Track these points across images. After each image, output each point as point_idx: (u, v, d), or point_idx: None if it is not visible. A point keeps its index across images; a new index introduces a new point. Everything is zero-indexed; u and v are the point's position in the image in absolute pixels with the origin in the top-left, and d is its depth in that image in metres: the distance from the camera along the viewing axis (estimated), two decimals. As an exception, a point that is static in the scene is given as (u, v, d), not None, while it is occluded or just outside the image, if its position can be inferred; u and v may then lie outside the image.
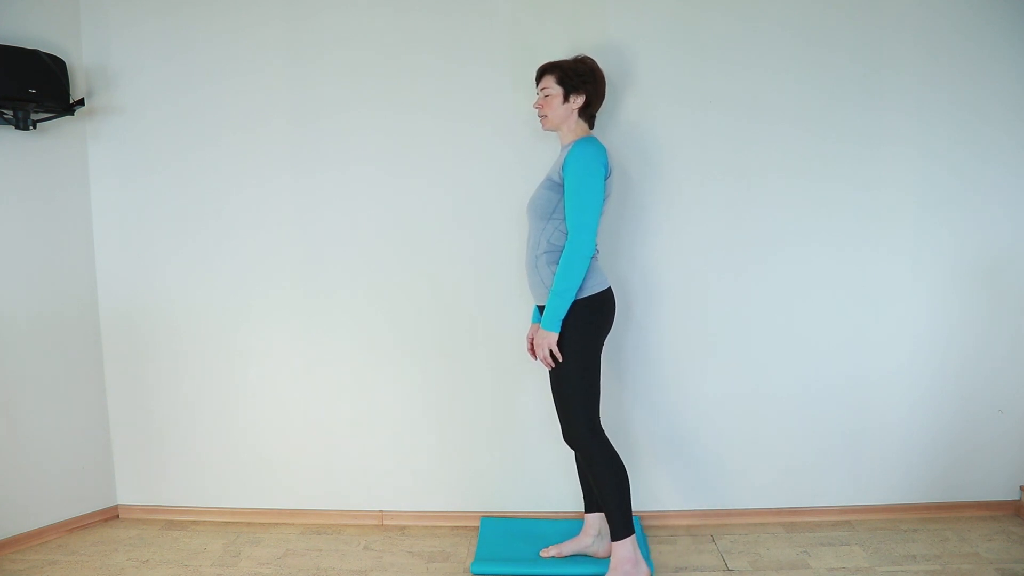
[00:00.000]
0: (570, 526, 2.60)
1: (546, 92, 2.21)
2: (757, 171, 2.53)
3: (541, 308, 2.22)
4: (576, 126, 2.23)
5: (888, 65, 2.49)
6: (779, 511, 2.67)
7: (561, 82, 2.19)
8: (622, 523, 2.15)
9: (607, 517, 2.17)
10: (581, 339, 2.11)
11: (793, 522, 2.66)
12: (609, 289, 2.17)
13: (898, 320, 2.59)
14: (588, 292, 2.11)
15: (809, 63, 2.49)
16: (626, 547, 2.16)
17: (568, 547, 2.38)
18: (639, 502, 2.67)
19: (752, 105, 2.51)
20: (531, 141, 2.53)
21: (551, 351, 2.10)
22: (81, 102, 2.51)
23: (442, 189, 2.58)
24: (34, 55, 2.37)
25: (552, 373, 2.16)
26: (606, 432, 2.46)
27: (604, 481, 2.14)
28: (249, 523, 2.75)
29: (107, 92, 2.62)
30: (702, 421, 2.64)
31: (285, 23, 2.55)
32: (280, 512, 2.76)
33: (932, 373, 2.61)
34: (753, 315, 2.59)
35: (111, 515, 2.79)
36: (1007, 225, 2.55)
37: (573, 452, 2.45)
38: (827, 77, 2.49)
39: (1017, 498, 2.67)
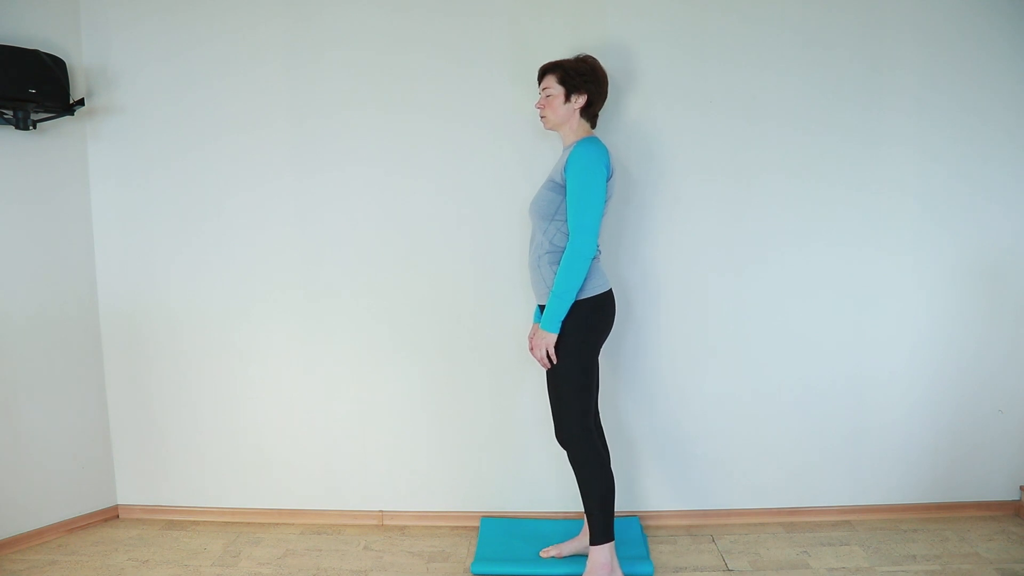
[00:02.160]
0: (570, 526, 2.60)
1: (547, 92, 2.21)
2: (757, 171, 2.53)
3: (542, 308, 2.22)
4: (578, 126, 2.22)
5: (888, 65, 2.49)
6: (779, 511, 2.67)
7: (562, 82, 2.18)
8: (602, 528, 2.16)
9: (588, 520, 2.17)
10: (579, 340, 2.11)
11: (793, 522, 2.66)
12: (610, 291, 2.17)
13: (898, 320, 2.59)
14: (589, 293, 2.11)
15: (809, 63, 2.49)
16: (604, 553, 2.16)
17: (568, 547, 2.38)
18: (640, 502, 2.67)
19: (752, 105, 2.50)
20: (531, 141, 2.53)
21: (548, 352, 2.10)
22: (81, 102, 2.51)
23: (442, 189, 2.58)
24: (34, 55, 2.37)
25: (549, 372, 2.16)
26: (606, 432, 2.47)
27: (589, 484, 2.14)
28: (249, 523, 2.75)
29: (107, 92, 2.62)
30: (702, 421, 2.64)
31: (285, 23, 2.55)
32: (280, 512, 2.76)
33: (932, 373, 2.61)
34: (753, 315, 2.59)
35: (111, 515, 2.79)
36: (1007, 226, 2.55)
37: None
38: (827, 77, 2.49)
39: (1017, 498, 2.68)
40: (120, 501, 2.81)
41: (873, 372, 2.61)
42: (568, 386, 2.13)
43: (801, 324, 2.59)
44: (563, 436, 2.18)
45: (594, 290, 2.12)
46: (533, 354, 2.16)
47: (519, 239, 2.57)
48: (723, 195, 2.54)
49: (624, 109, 2.51)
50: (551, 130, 2.26)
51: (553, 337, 2.08)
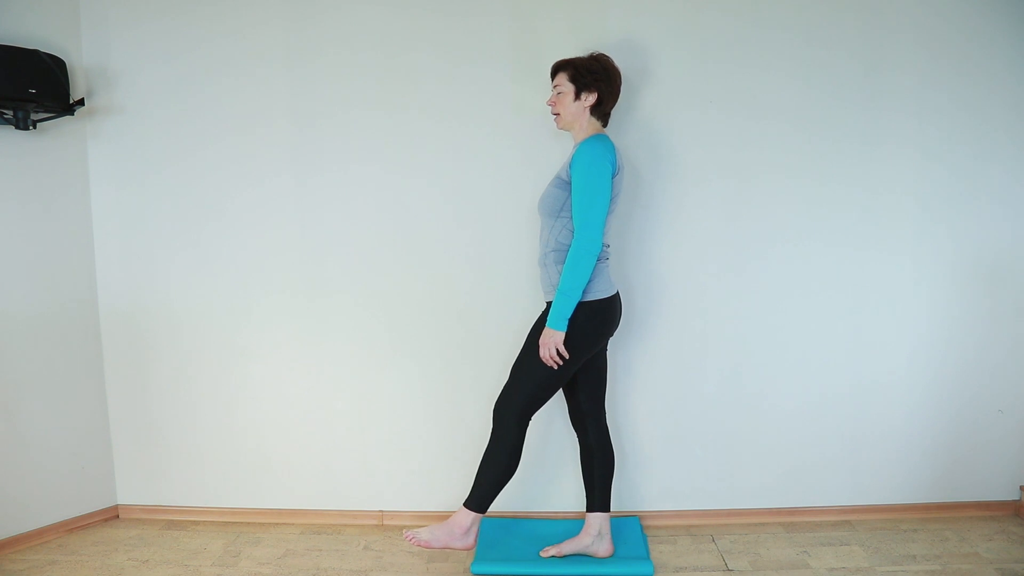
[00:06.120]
0: (570, 526, 2.59)
1: (559, 90, 2.21)
2: (757, 171, 2.53)
3: (549, 305, 2.21)
4: (588, 124, 2.22)
5: (888, 65, 2.49)
6: (779, 511, 2.67)
7: (573, 79, 2.19)
8: (480, 498, 2.21)
9: (475, 483, 2.22)
10: (571, 338, 2.11)
11: (793, 522, 2.66)
12: (615, 296, 2.17)
13: (898, 320, 2.59)
14: (591, 296, 2.11)
15: (809, 63, 2.49)
16: (468, 517, 2.22)
17: (568, 547, 2.38)
18: (640, 502, 2.67)
19: (752, 105, 2.50)
20: (532, 140, 2.53)
21: (558, 350, 2.10)
22: (81, 102, 2.51)
23: (442, 189, 2.58)
24: (34, 55, 2.37)
25: (523, 351, 2.16)
26: (609, 430, 2.46)
27: (495, 462, 2.19)
28: (249, 523, 2.75)
29: (107, 92, 2.62)
30: (703, 421, 2.64)
31: (285, 23, 2.55)
32: (280, 512, 2.76)
33: (932, 373, 2.61)
34: (754, 315, 2.59)
35: (111, 515, 2.79)
36: (1007, 226, 2.55)
37: (578, 449, 2.45)
38: (827, 77, 2.49)
39: (1017, 498, 2.68)
40: (120, 501, 2.80)
41: (873, 372, 2.61)
42: (534, 374, 2.15)
43: (801, 324, 2.59)
44: (499, 412, 2.21)
45: (598, 293, 2.12)
46: (540, 352, 2.16)
47: (519, 239, 2.57)
48: (724, 195, 2.54)
49: (629, 108, 2.51)
50: (563, 128, 2.26)
51: (561, 335, 2.09)
